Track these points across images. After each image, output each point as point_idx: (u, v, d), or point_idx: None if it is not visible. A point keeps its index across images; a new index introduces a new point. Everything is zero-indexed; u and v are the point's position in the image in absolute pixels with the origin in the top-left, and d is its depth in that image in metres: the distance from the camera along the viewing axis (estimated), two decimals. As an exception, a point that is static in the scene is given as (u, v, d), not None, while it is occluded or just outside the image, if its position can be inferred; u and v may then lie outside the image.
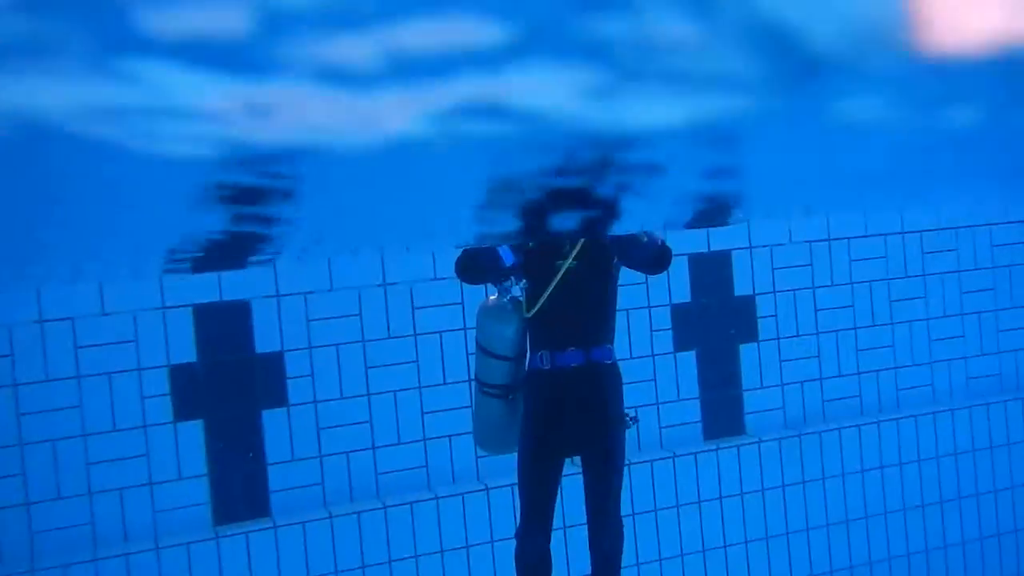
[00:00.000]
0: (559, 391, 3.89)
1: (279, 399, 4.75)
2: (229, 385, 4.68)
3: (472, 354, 4.18)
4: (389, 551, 4.80)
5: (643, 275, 4.34)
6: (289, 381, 4.76)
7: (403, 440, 4.97)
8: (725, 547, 5.44)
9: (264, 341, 4.73)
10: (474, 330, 4.05)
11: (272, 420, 4.74)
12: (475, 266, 3.91)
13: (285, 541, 4.63)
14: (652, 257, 3.86)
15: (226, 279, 4.64)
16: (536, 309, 3.88)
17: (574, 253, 3.85)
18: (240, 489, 4.70)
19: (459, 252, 3.93)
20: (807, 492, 5.62)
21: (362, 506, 4.81)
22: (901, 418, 5.84)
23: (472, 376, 4.17)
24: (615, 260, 3.92)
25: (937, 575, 5.89)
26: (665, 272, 4.03)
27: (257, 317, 4.72)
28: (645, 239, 3.78)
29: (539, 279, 3.89)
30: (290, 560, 4.64)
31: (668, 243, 3.87)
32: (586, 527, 3.96)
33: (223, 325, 4.68)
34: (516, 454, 3.99)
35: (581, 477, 3.96)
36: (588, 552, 3.95)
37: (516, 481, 4.01)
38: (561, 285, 3.84)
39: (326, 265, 4.76)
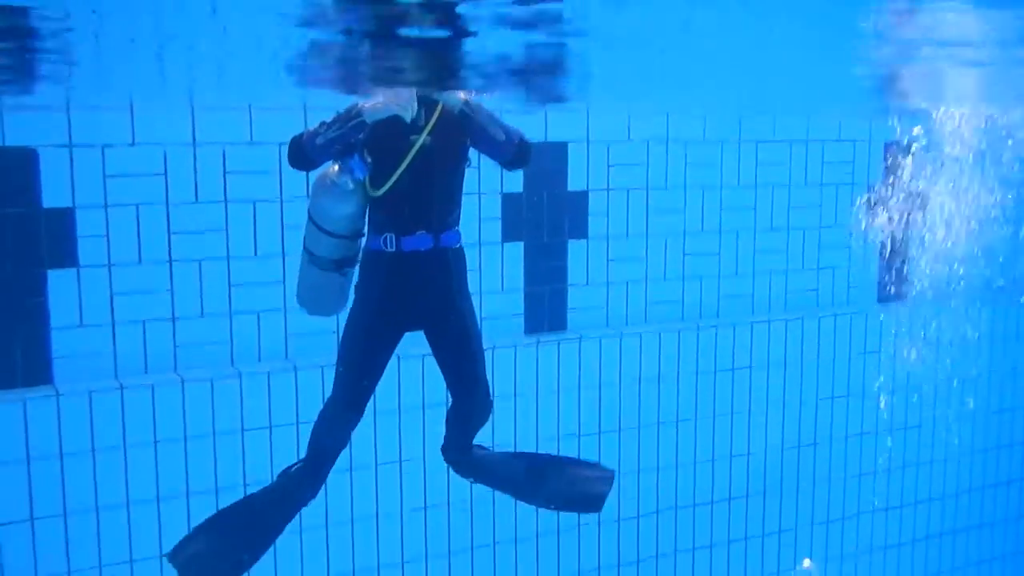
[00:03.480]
0: (404, 276, 3.64)
1: (68, 259, 4.36)
2: (10, 240, 4.26)
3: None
4: (185, 427, 4.53)
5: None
6: (80, 240, 4.37)
7: (206, 313, 4.66)
8: (537, 441, 5.38)
9: (53, 195, 4.30)
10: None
11: (58, 281, 4.35)
12: (302, 156, 3.63)
13: (68, 410, 4.29)
14: (511, 156, 3.71)
15: (10, 123, 4.19)
16: (385, 189, 3.56)
17: (429, 128, 3.55)
18: (20, 354, 4.32)
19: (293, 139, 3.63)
20: (623, 391, 5.60)
21: (157, 379, 4.50)
22: (720, 325, 5.88)
23: (302, 244, 3.80)
24: (468, 141, 3.66)
25: (738, 478, 6.03)
26: (522, 169, 3.86)
27: (45, 168, 4.28)
28: (503, 137, 3.61)
29: (389, 156, 3.54)
30: (73, 430, 4.31)
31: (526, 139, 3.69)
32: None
33: (4, 173, 4.23)
34: (344, 329, 3.76)
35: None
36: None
37: (335, 360, 3.79)
38: (413, 163, 3.54)
39: (128, 115, 4.35)
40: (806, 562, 6.12)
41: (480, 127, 3.60)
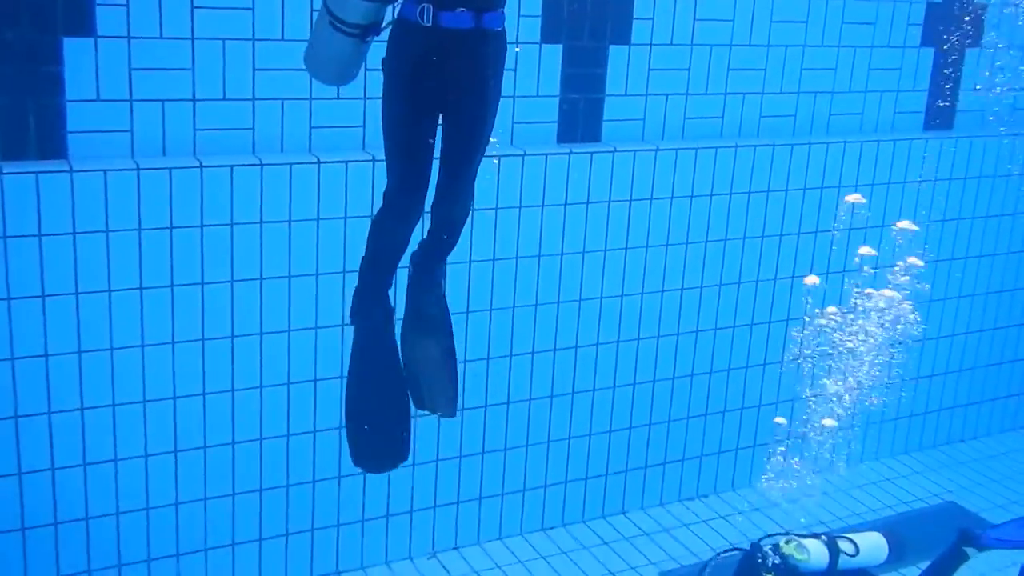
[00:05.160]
0: (437, 53, 3.25)
1: (85, 27, 4.09)
2: (23, 2, 3.98)
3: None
4: (202, 214, 4.36)
5: None
6: (98, 7, 4.08)
7: (228, 97, 4.42)
8: (561, 255, 5.23)
9: (70, -45, 4.00)
10: None
11: (75, 50, 4.09)
12: None
13: (81, 188, 4.11)
14: None
15: None
16: None
17: None
18: (33, 124, 4.10)
19: None
20: (653, 208, 5.42)
21: (175, 162, 4.30)
22: (759, 145, 5.64)
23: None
24: None
25: (765, 301, 5.92)
26: None
27: (62, -75, 3.97)
28: None
29: None
30: (88, 208, 4.14)
31: None
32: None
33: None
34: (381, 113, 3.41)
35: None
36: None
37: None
38: None
39: None
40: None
41: None
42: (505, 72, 3.45)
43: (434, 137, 3.42)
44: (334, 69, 3.46)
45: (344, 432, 3.82)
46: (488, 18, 3.27)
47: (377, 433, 3.75)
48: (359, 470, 3.89)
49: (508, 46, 3.43)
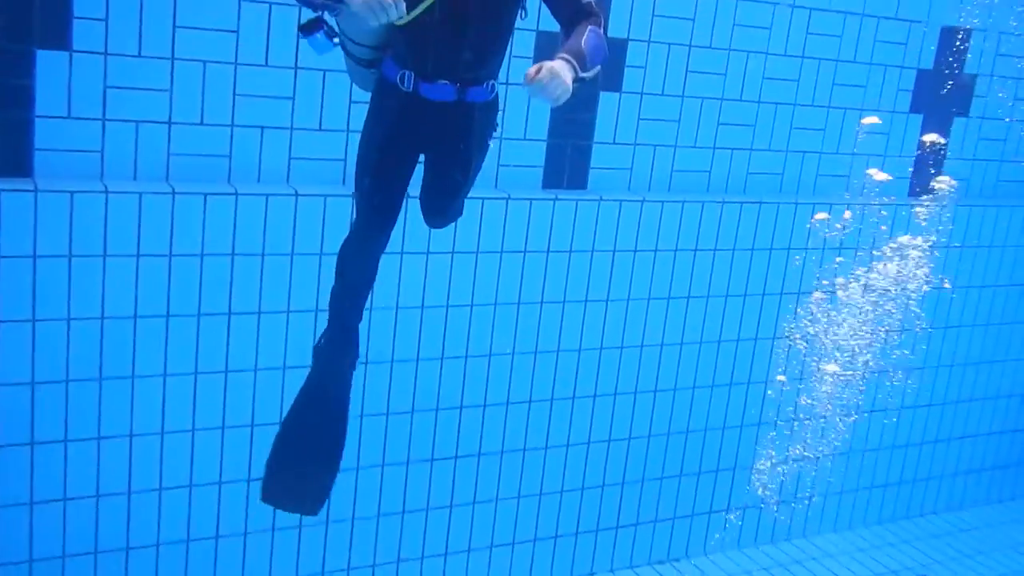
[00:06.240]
0: (418, 116, 3.16)
1: (60, 40, 3.89)
2: (-3, 10, 3.79)
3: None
4: (172, 243, 4.14)
5: None
6: (76, 21, 3.89)
7: (206, 122, 4.23)
8: (541, 303, 5.07)
9: (48, -36, 3.82)
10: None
11: (48, 64, 3.89)
12: None
13: (46, 208, 3.89)
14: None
15: None
16: (409, 18, 2.92)
17: None
18: (-2, 140, 3.90)
19: None
20: (637, 260, 5.28)
21: (145, 187, 4.09)
22: (746, 202, 5.53)
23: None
24: None
25: (743, 361, 5.78)
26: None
27: (42, -69, 3.79)
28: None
29: None
30: (50, 231, 3.91)
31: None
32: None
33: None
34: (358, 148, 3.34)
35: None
36: None
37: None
38: None
39: None
40: None
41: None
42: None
43: (411, 174, 3.32)
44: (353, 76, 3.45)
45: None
46: (473, 92, 3.15)
47: (302, 475, 3.59)
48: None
49: (497, 110, 3.33)
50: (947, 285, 6.20)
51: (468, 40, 3.05)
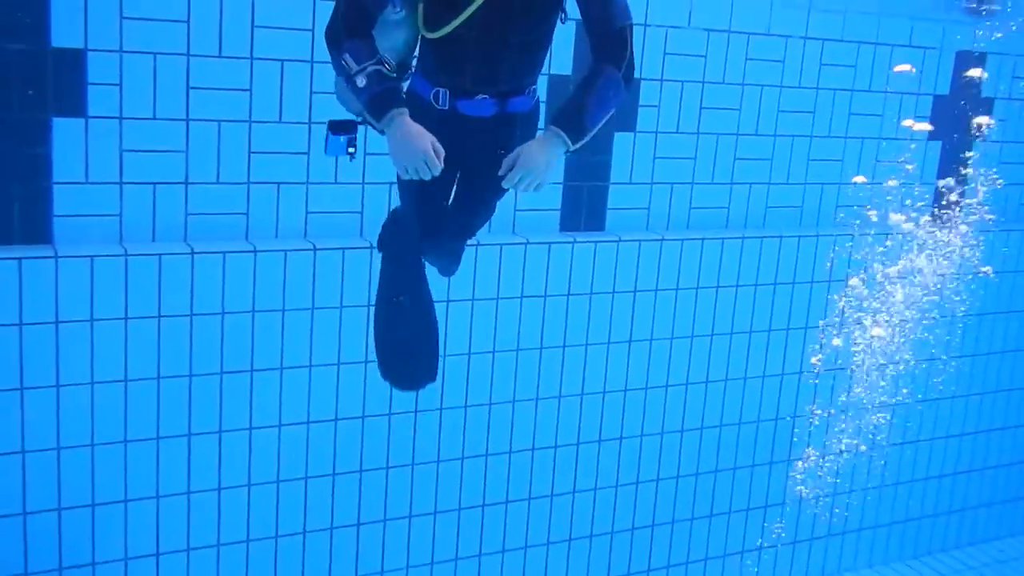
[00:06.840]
0: (456, 134, 2.97)
1: (76, 107, 3.92)
2: (14, 81, 3.81)
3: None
4: (192, 302, 4.15)
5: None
6: (91, 87, 3.92)
7: (223, 180, 4.25)
8: (564, 347, 5.04)
9: (63, 33, 3.84)
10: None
11: (64, 131, 3.92)
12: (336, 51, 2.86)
13: (67, 274, 3.90)
14: (615, 37, 2.92)
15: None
16: (441, 33, 2.81)
17: None
18: (18, 207, 3.91)
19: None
20: (657, 299, 5.24)
21: (165, 248, 4.10)
22: (766, 237, 5.49)
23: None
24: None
25: (770, 400, 5.72)
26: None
27: (56, 3, 3.81)
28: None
29: None
30: (72, 295, 3.92)
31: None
32: None
33: (10, 4, 3.76)
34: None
35: None
36: None
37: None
38: (483, 7, 2.78)
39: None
40: None
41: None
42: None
43: (452, 191, 3.22)
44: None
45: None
46: (515, 103, 3.01)
47: (406, 355, 3.57)
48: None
49: (538, 118, 3.21)
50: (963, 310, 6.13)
51: (509, 51, 2.90)
